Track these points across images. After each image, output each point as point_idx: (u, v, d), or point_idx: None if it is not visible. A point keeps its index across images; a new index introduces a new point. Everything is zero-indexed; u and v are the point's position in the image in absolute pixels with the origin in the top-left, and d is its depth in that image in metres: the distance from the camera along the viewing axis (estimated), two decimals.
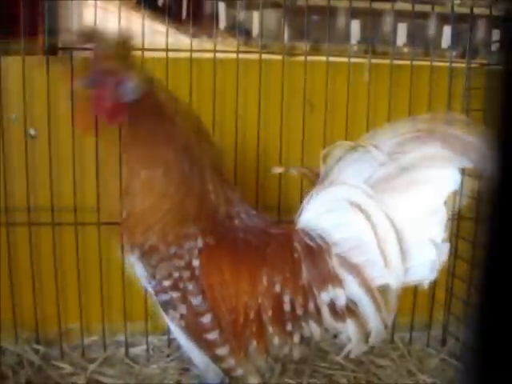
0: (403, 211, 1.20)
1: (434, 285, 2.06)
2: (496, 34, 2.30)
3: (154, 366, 1.94)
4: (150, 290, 1.39)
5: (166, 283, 1.33)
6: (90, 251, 1.88)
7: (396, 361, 2.04)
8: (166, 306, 1.36)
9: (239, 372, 1.36)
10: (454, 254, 2.02)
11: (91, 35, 1.32)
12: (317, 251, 1.31)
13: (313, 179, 1.39)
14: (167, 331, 2.01)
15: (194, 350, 1.42)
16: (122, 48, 1.31)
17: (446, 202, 1.18)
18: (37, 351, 1.92)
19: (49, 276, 1.88)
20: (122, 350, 2.00)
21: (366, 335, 1.30)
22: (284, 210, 1.93)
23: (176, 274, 1.32)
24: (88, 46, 1.33)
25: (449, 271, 2.14)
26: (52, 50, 1.81)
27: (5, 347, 1.91)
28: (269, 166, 1.92)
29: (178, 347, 2.00)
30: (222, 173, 1.46)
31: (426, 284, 1.25)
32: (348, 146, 1.25)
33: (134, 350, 2.02)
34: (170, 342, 2.03)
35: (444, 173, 1.17)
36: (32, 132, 1.85)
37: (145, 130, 1.34)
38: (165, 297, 1.35)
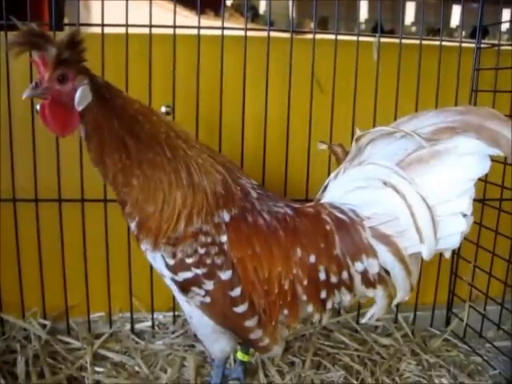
0: (435, 190, 1.25)
1: (438, 265, 2.10)
2: (506, 14, 2.27)
3: (159, 342, 1.96)
4: (166, 272, 1.37)
5: (190, 260, 1.33)
6: (96, 227, 1.89)
7: (399, 340, 2.05)
8: (188, 284, 1.36)
9: (266, 342, 1.41)
10: None
11: (38, 39, 1.19)
12: (349, 223, 1.35)
13: (340, 157, 1.44)
14: (172, 308, 2.03)
15: (207, 327, 1.45)
16: (72, 52, 1.23)
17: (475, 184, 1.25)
18: (44, 326, 1.94)
19: (55, 252, 1.89)
20: (128, 325, 2.02)
21: (392, 299, 1.38)
22: (290, 193, 1.94)
23: (202, 251, 1.32)
24: (35, 51, 1.21)
25: (453, 252, 2.14)
26: (58, 26, 1.80)
27: (12, 322, 1.93)
28: (275, 146, 1.93)
29: (183, 324, 2.02)
30: (220, 155, 1.47)
31: (448, 253, 1.32)
32: (386, 131, 1.30)
33: (139, 326, 2.04)
34: (175, 318, 2.05)
35: (475, 158, 1.22)
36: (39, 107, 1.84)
37: (115, 134, 1.30)
38: (188, 274, 1.34)
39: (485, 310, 2.13)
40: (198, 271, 1.33)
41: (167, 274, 1.37)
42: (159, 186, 1.32)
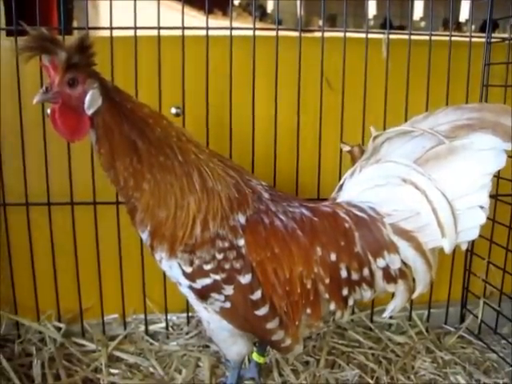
0: (454, 185, 1.28)
1: (452, 262, 2.09)
2: None
3: (173, 343, 1.97)
4: (183, 279, 1.37)
5: (208, 267, 1.32)
6: (108, 229, 1.89)
7: (414, 338, 2.04)
8: (207, 290, 1.35)
9: (288, 342, 1.42)
10: None
11: (48, 44, 1.19)
12: (369, 221, 1.37)
13: (356, 156, 1.46)
14: (186, 309, 2.03)
15: (225, 332, 1.45)
16: (82, 56, 1.23)
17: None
18: (58, 329, 1.95)
19: (68, 255, 1.90)
20: (142, 327, 2.03)
21: (411, 292, 1.40)
22: (301, 192, 1.94)
23: (220, 256, 1.32)
24: (45, 56, 1.21)
25: (467, 248, 2.13)
26: (67, 30, 1.81)
27: (27, 325, 1.94)
28: (286, 145, 1.93)
29: (197, 325, 2.03)
30: (229, 160, 1.48)
31: (465, 245, 1.35)
32: (404, 131, 1.34)
33: (153, 328, 2.04)
34: (189, 319, 2.05)
35: (492, 153, 1.26)
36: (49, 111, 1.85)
37: (126, 138, 1.30)
38: (206, 281, 1.34)
39: (499, 306, 2.12)
40: (217, 277, 1.33)
41: (184, 282, 1.37)
42: (170, 190, 1.31)
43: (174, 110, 1.82)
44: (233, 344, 1.49)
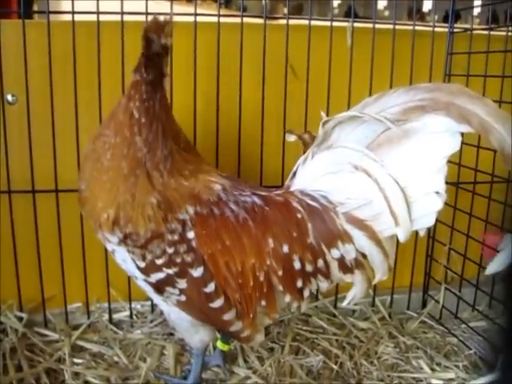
0: (408, 171, 1.24)
1: (414, 249, 2.12)
2: None
3: (137, 331, 1.95)
4: (138, 273, 1.37)
5: (160, 261, 1.31)
6: (71, 217, 1.86)
7: (377, 323, 2.07)
8: (162, 284, 1.35)
9: (246, 332, 1.40)
10: None
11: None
12: (322, 211, 1.33)
13: (308, 143, 1.41)
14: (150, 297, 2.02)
15: (186, 322, 1.44)
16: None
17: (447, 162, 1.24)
18: (20, 319, 1.91)
19: (30, 243, 1.87)
20: (106, 316, 2.01)
21: (370, 281, 1.37)
22: (266, 179, 1.94)
23: (170, 250, 1.30)
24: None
25: (429, 235, 2.17)
26: (27, 14, 1.77)
27: None
28: (250, 133, 1.92)
29: (161, 313, 2.02)
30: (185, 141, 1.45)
31: (423, 232, 1.30)
32: (352, 116, 1.27)
33: (117, 316, 2.02)
34: (153, 307, 2.04)
35: (446, 136, 1.21)
36: (10, 98, 1.81)
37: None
38: (160, 275, 1.33)
39: (460, 291, 2.17)
40: (170, 271, 1.32)
41: (140, 276, 1.37)
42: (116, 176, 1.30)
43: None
44: (195, 333, 1.48)
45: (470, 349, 1.94)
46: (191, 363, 1.68)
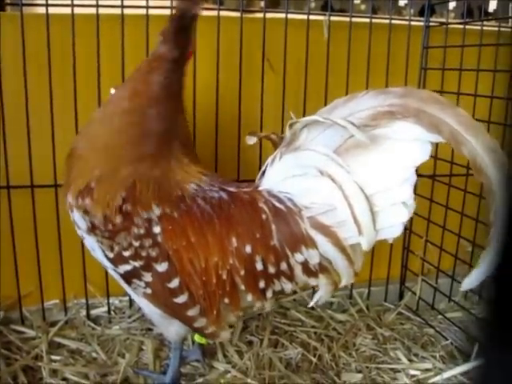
0: (374, 179, 1.21)
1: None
2: None
3: (116, 327, 1.94)
4: (107, 263, 1.36)
5: (127, 253, 1.30)
6: (47, 213, 1.84)
7: (355, 315, 2.09)
8: (129, 276, 1.34)
9: (211, 329, 1.39)
10: None
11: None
12: (287, 213, 1.30)
13: (277, 142, 1.37)
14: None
15: (156, 315, 1.43)
16: None
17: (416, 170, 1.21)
18: None
19: (5, 240, 1.84)
20: (83, 312, 1.99)
21: (336, 285, 1.34)
22: (243, 173, 1.93)
23: (136, 243, 1.29)
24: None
25: (405, 227, 2.19)
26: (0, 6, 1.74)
27: None
28: (227, 127, 1.92)
29: (139, 308, 2.01)
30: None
31: (390, 241, 1.27)
32: (317, 120, 1.23)
33: (95, 312, 2.01)
34: (131, 303, 2.03)
35: (416, 145, 1.18)
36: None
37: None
38: (127, 267, 1.33)
39: (436, 282, 2.19)
40: (136, 264, 1.31)
41: (109, 265, 1.36)
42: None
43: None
44: (169, 325, 1.47)
45: (447, 339, 1.96)
46: (170, 358, 1.68)
